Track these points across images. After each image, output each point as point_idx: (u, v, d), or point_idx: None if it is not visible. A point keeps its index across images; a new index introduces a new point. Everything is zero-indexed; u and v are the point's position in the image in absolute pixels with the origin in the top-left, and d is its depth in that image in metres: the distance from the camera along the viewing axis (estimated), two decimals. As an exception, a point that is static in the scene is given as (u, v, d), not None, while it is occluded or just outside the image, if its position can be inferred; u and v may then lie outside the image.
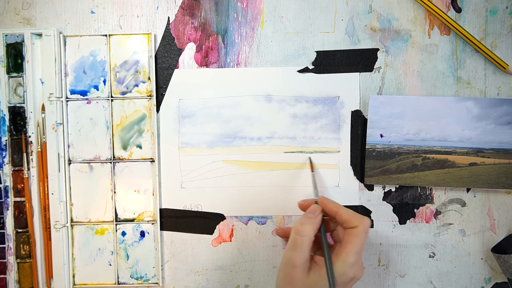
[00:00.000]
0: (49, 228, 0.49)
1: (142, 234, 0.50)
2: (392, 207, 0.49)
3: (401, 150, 0.47)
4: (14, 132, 0.49)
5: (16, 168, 0.49)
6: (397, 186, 0.49)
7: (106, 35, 0.49)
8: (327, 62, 0.49)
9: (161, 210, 0.50)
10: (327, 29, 0.49)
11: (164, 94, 0.49)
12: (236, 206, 0.50)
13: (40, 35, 0.48)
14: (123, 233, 0.50)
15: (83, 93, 0.49)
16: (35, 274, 0.49)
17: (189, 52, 0.49)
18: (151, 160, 0.49)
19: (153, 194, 0.50)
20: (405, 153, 0.47)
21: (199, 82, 0.49)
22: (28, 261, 0.49)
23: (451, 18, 0.47)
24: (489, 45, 0.48)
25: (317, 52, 0.49)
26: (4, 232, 0.49)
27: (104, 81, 0.49)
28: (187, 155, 0.49)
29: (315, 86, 0.49)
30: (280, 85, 0.49)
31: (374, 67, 0.48)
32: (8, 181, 0.49)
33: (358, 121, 0.49)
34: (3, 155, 0.49)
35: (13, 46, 0.48)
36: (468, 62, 0.48)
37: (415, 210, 0.49)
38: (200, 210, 0.50)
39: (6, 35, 0.48)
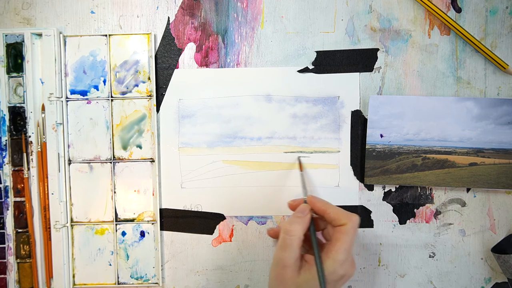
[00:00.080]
0: (49, 228, 0.49)
1: (142, 234, 0.50)
2: (392, 207, 0.49)
3: (401, 150, 0.47)
4: (14, 132, 0.49)
5: (16, 168, 0.49)
6: (397, 186, 0.49)
7: (106, 35, 0.49)
8: (327, 62, 0.49)
9: (161, 210, 0.50)
10: (327, 29, 0.49)
11: (164, 94, 0.49)
12: (236, 206, 0.50)
13: (40, 35, 0.48)
14: (123, 233, 0.50)
15: (83, 93, 0.49)
16: (35, 274, 0.49)
17: (189, 52, 0.49)
18: (151, 160, 0.49)
19: (153, 194, 0.50)
20: (405, 153, 0.47)
21: (199, 82, 0.49)
22: (28, 261, 0.49)
23: (451, 18, 0.47)
24: (489, 45, 0.48)
25: (317, 52, 0.49)
26: (4, 232, 0.49)
27: (104, 81, 0.49)
28: (187, 155, 0.49)
29: (315, 86, 0.49)
30: (280, 85, 0.49)
31: (374, 67, 0.48)
32: (8, 181, 0.49)
33: (358, 121, 0.49)
34: (3, 155, 0.49)
35: (13, 46, 0.48)
36: (468, 62, 0.48)
37: (415, 210, 0.49)
38: (200, 210, 0.50)
39: (6, 35, 0.48)
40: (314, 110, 0.49)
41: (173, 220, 0.50)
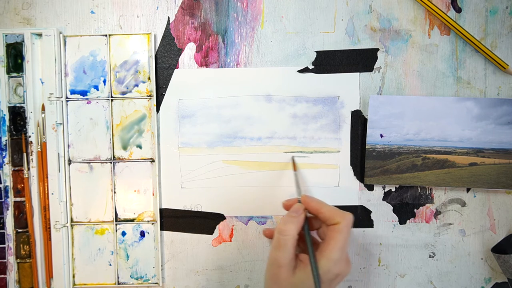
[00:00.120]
0: (49, 228, 0.49)
1: (142, 234, 0.50)
2: (392, 207, 0.49)
3: (401, 150, 0.47)
4: (14, 132, 0.49)
5: (16, 168, 0.49)
6: (397, 186, 0.49)
7: (106, 35, 0.49)
8: (327, 62, 0.49)
9: (161, 210, 0.50)
10: (327, 29, 0.49)
11: (164, 94, 0.49)
12: (236, 206, 0.50)
13: (40, 35, 0.48)
14: (123, 233, 0.50)
15: (83, 93, 0.49)
16: (35, 274, 0.49)
17: (189, 52, 0.49)
18: (151, 160, 0.49)
19: (153, 194, 0.50)
20: (405, 153, 0.47)
21: (199, 82, 0.49)
22: (28, 261, 0.49)
23: (451, 18, 0.47)
24: (489, 45, 0.48)
25: (317, 52, 0.49)
26: (4, 232, 0.49)
27: (104, 81, 0.49)
28: (187, 155, 0.49)
29: (315, 86, 0.49)
30: (280, 85, 0.49)
31: (374, 67, 0.48)
32: (8, 181, 0.49)
33: (358, 121, 0.49)
34: (3, 155, 0.49)
35: (13, 46, 0.48)
36: (468, 62, 0.48)
37: (415, 210, 0.49)
38: (200, 210, 0.50)
39: (6, 35, 0.48)
40: (314, 110, 0.49)
41: (173, 220, 0.50)
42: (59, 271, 0.49)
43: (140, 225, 0.50)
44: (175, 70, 0.49)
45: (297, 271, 0.38)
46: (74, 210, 0.50)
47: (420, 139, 0.47)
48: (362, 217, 0.49)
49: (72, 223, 0.50)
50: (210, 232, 0.50)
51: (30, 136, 0.48)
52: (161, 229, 0.50)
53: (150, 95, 0.49)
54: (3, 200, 0.49)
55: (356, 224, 0.49)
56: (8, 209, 0.49)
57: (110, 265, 0.50)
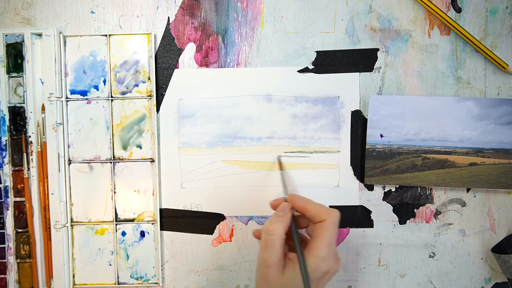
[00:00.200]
0: (49, 228, 0.49)
1: (142, 234, 0.50)
2: (392, 207, 0.49)
3: (401, 150, 0.47)
4: (14, 132, 0.49)
5: (16, 168, 0.49)
6: (397, 186, 0.49)
7: (106, 35, 0.49)
8: (327, 62, 0.49)
9: (161, 210, 0.50)
10: (327, 29, 0.49)
11: (164, 94, 0.49)
12: (236, 206, 0.50)
13: (40, 35, 0.48)
14: (123, 233, 0.50)
15: (83, 93, 0.49)
16: (35, 274, 0.49)
17: (189, 52, 0.49)
18: (151, 160, 0.49)
19: (153, 194, 0.50)
20: (405, 153, 0.47)
21: (199, 82, 0.49)
22: (28, 261, 0.49)
23: (451, 18, 0.47)
24: (489, 45, 0.48)
25: (317, 52, 0.49)
26: (4, 232, 0.49)
27: (104, 81, 0.49)
28: (187, 155, 0.49)
29: (315, 86, 0.49)
30: (280, 85, 0.49)
31: (374, 67, 0.48)
32: (8, 181, 0.49)
33: (358, 121, 0.49)
34: (3, 155, 0.49)
35: (13, 46, 0.48)
36: (468, 62, 0.48)
37: (415, 210, 0.49)
38: (200, 210, 0.50)
39: (6, 35, 0.48)
40: (314, 110, 0.49)
41: (173, 220, 0.50)
42: (59, 271, 0.49)
43: (140, 225, 0.50)
44: (175, 70, 0.49)
45: (286, 270, 0.38)
46: (74, 210, 0.50)
47: (420, 139, 0.47)
48: (362, 217, 0.49)
49: (72, 223, 0.50)
50: (210, 232, 0.50)
51: (30, 136, 0.48)
52: (161, 229, 0.50)
53: (150, 95, 0.49)
54: (3, 200, 0.49)
55: (356, 224, 0.49)
56: (8, 209, 0.49)
57: (110, 265, 0.50)
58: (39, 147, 0.48)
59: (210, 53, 0.49)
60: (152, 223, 0.50)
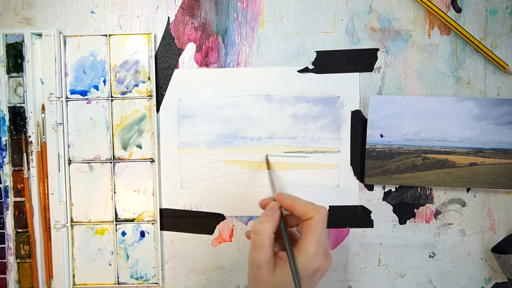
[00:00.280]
0: (49, 228, 0.49)
1: (142, 234, 0.50)
2: (392, 207, 0.49)
3: (401, 150, 0.47)
4: (14, 132, 0.49)
5: (16, 168, 0.49)
6: (397, 186, 0.49)
7: (106, 35, 0.49)
8: (327, 62, 0.49)
9: (161, 210, 0.50)
10: (327, 29, 0.49)
11: (164, 94, 0.49)
12: (236, 206, 0.50)
13: (40, 35, 0.48)
14: (123, 233, 0.50)
15: (83, 93, 0.49)
16: (35, 274, 0.49)
17: (189, 52, 0.49)
18: (151, 160, 0.49)
19: (153, 194, 0.50)
20: (405, 153, 0.47)
21: (199, 82, 0.49)
22: (28, 261, 0.49)
23: (451, 18, 0.47)
24: (489, 45, 0.48)
25: (317, 52, 0.49)
26: (4, 232, 0.49)
27: (104, 81, 0.49)
28: (187, 155, 0.49)
29: (315, 86, 0.49)
30: (280, 85, 0.49)
31: (374, 67, 0.48)
32: (8, 181, 0.49)
33: (358, 121, 0.49)
34: (3, 155, 0.49)
35: (13, 46, 0.48)
36: (468, 62, 0.48)
37: (415, 210, 0.49)
38: (200, 210, 0.50)
39: (6, 35, 0.48)
40: (314, 110, 0.49)
41: (173, 220, 0.50)
42: (59, 271, 0.49)
43: (140, 225, 0.50)
44: (175, 70, 0.49)
45: (277, 269, 0.38)
46: (74, 210, 0.50)
47: (420, 139, 0.47)
48: (362, 217, 0.49)
49: (72, 223, 0.50)
50: (210, 232, 0.50)
51: (30, 136, 0.48)
52: (161, 229, 0.50)
53: (150, 95, 0.49)
54: (3, 200, 0.49)
55: (356, 224, 0.49)
56: (8, 209, 0.49)
57: (110, 265, 0.50)
58: (39, 147, 0.48)
59: (210, 53, 0.49)
60: (152, 223, 0.50)
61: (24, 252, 0.49)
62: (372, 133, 0.48)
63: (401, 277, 0.50)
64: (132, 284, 0.50)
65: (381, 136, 0.47)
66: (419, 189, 0.49)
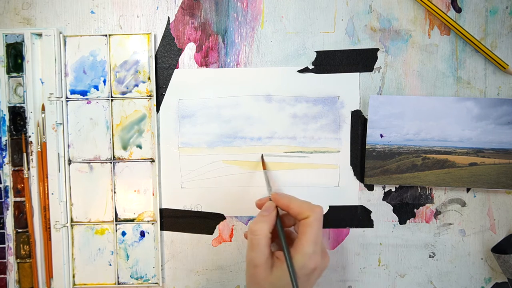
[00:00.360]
0: (49, 228, 0.49)
1: (142, 234, 0.50)
2: (392, 207, 0.49)
3: (401, 150, 0.47)
4: (14, 132, 0.49)
5: (16, 168, 0.49)
6: (397, 186, 0.49)
7: (106, 35, 0.49)
8: (327, 62, 0.49)
9: (161, 210, 0.50)
10: (327, 29, 0.49)
11: (164, 94, 0.49)
12: (236, 206, 0.50)
13: (40, 35, 0.48)
14: (123, 233, 0.50)
15: (83, 93, 0.49)
16: (35, 274, 0.49)
17: (189, 52, 0.49)
18: (151, 160, 0.49)
19: (153, 194, 0.50)
20: (405, 153, 0.47)
21: (199, 82, 0.49)
22: (28, 261, 0.49)
23: (451, 18, 0.47)
24: (489, 45, 0.48)
25: (317, 52, 0.49)
26: (4, 232, 0.49)
27: (104, 81, 0.49)
28: (187, 155, 0.49)
29: (315, 86, 0.49)
30: (280, 85, 0.49)
31: (374, 67, 0.48)
32: (8, 181, 0.49)
33: (358, 121, 0.49)
34: (3, 155, 0.49)
35: (13, 46, 0.48)
36: (468, 62, 0.48)
37: (415, 210, 0.49)
38: (200, 210, 0.50)
39: (6, 35, 0.48)
40: (314, 110, 0.49)
41: (173, 220, 0.50)
42: (59, 271, 0.49)
43: (140, 225, 0.50)
44: (175, 70, 0.49)
45: (275, 269, 0.38)
46: (74, 210, 0.50)
47: (420, 139, 0.47)
48: (362, 217, 0.49)
49: (72, 223, 0.50)
50: (210, 232, 0.50)
51: (30, 136, 0.48)
52: (161, 229, 0.50)
53: (150, 95, 0.49)
54: (3, 200, 0.49)
55: (356, 224, 0.49)
56: (8, 209, 0.49)
57: (110, 265, 0.50)
58: (39, 147, 0.48)
59: (210, 53, 0.49)
60: (152, 223, 0.50)
61: (24, 252, 0.49)
62: (372, 133, 0.48)
63: (401, 277, 0.50)
64: (132, 284, 0.50)
65: (381, 136, 0.47)
66: (419, 189, 0.49)
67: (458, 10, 0.48)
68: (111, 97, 0.49)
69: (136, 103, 0.49)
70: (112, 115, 0.49)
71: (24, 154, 0.48)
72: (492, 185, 0.47)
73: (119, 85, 0.49)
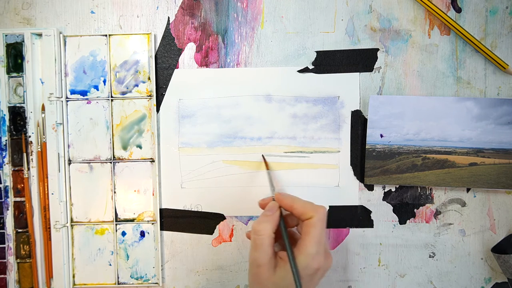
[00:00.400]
0: (49, 228, 0.49)
1: (142, 234, 0.50)
2: (392, 207, 0.49)
3: (401, 150, 0.47)
4: (14, 132, 0.49)
5: (16, 168, 0.49)
6: (397, 186, 0.49)
7: (106, 35, 0.49)
8: (327, 62, 0.49)
9: (161, 210, 0.50)
10: (327, 29, 0.49)
11: (164, 94, 0.49)
12: (236, 206, 0.50)
13: (40, 35, 0.48)
14: (123, 233, 0.50)
15: (83, 93, 0.49)
16: (35, 274, 0.49)
17: (189, 52, 0.49)
18: (151, 160, 0.49)
19: (153, 194, 0.50)
20: (405, 153, 0.47)
21: (199, 82, 0.49)
22: (28, 261, 0.49)
23: (451, 18, 0.47)
24: (489, 45, 0.48)
25: (317, 52, 0.49)
26: (4, 232, 0.49)
27: (104, 81, 0.49)
28: (187, 155, 0.49)
29: (315, 86, 0.49)
30: (280, 85, 0.49)
31: (374, 67, 0.48)
32: (8, 181, 0.49)
33: (358, 121, 0.49)
34: (3, 155, 0.49)
35: (13, 46, 0.48)
36: (468, 62, 0.48)
37: (415, 210, 0.49)
38: (200, 210, 0.50)
39: (6, 35, 0.48)
40: (314, 110, 0.49)
41: (173, 220, 0.50)
42: (59, 271, 0.49)
43: (140, 225, 0.50)
44: (175, 70, 0.49)
45: (278, 269, 0.38)
46: (74, 210, 0.50)
47: (420, 139, 0.47)
48: (362, 217, 0.49)
49: (72, 223, 0.50)
50: (210, 232, 0.50)
51: (30, 136, 0.48)
52: (161, 229, 0.50)
53: (150, 95, 0.49)
54: (3, 200, 0.49)
55: (356, 224, 0.49)
56: (8, 209, 0.49)
57: (110, 265, 0.50)
58: (39, 147, 0.48)
59: (210, 53, 0.49)
60: (152, 223, 0.50)
61: (24, 252, 0.49)
62: (372, 133, 0.48)
63: (401, 277, 0.50)
64: (132, 284, 0.50)
65: (381, 136, 0.47)
66: (419, 189, 0.49)
67: (458, 10, 0.48)
68: (111, 97, 0.49)
69: (136, 103, 0.49)
70: (112, 115, 0.49)
71: (24, 154, 0.48)
72: (492, 185, 0.47)
73: (119, 85, 0.49)
